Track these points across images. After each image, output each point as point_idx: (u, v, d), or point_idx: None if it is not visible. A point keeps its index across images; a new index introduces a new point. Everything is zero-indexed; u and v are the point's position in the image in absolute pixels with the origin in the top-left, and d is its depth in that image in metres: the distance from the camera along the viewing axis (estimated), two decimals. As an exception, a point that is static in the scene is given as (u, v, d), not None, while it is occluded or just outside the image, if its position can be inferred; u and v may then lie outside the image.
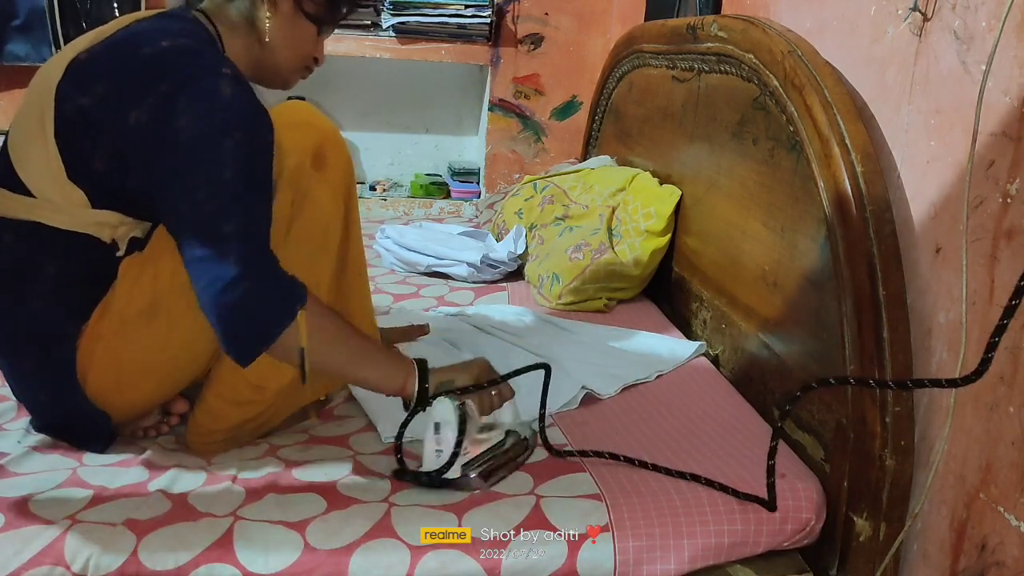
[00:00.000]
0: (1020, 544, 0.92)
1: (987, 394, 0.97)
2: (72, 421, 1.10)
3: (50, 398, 1.09)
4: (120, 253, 1.04)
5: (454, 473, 1.05)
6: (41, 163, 0.99)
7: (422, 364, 1.07)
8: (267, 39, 1.10)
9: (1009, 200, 0.93)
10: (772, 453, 1.04)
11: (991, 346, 0.80)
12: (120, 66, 0.99)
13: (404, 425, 1.09)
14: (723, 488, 1.06)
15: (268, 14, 1.09)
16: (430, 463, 1.05)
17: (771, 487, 1.05)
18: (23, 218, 1.01)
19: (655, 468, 1.11)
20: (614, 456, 1.14)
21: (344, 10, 1.15)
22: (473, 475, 1.06)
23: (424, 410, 1.06)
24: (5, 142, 1.04)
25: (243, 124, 0.96)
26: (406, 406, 1.07)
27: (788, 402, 1.01)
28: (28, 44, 2.49)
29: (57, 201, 1.00)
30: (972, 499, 0.99)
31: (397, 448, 1.09)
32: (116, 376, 1.07)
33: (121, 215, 1.03)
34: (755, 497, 1.05)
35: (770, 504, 1.05)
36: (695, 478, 1.08)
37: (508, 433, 1.14)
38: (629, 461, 1.13)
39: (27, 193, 1.00)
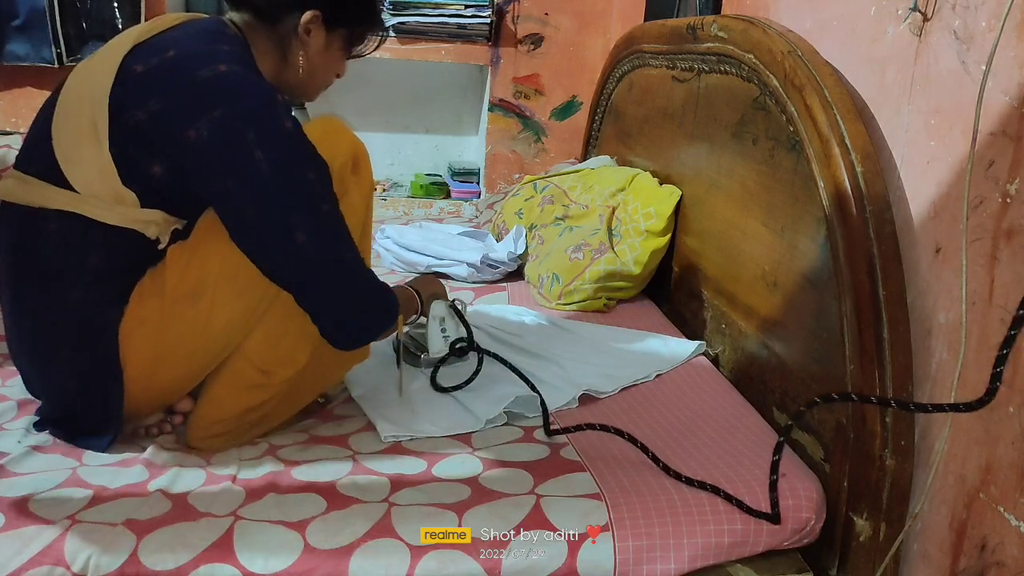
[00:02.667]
0: (1020, 544, 0.92)
1: (987, 394, 0.97)
2: (89, 413, 1.11)
3: (78, 386, 1.09)
4: (163, 246, 1.08)
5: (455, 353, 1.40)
6: (94, 168, 1.02)
7: (415, 289, 1.39)
8: (300, 71, 1.18)
9: (1009, 200, 0.93)
10: (775, 467, 1.05)
11: (1000, 359, 0.80)
12: (176, 86, 1.02)
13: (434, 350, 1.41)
14: (728, 498, 1.05)
15: (303, 49, 1.16)
16: (438, 348, 1.39)
17: (775, 503, 1.05)
18: (67, 210, 1.03)
19: (665, 467, 1.11)
20: (604, 428, 1.19)
21: (371, 44, 1.26)
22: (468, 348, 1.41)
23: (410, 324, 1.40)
24: (42, 134, 1.05)
25: (312, 155, 1.05)
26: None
27: (793, 417, 1.02)
28: (28, 44, 2.49)
29: (105, 199, 1.02)
30: (972, 499, 0.99)
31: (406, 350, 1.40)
32: (155, 358, 1.09)
33: (167, 214, 1.06)
34: (761, 513, 1.05)
35: (774, 518, 1.05)
36: (702, 485, 1.07)
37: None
38: (633, 441, 1.14)
39: (70, 188, 1.02)
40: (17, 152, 1.12)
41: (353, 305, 1.10)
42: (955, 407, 0.87)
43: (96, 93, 1.02)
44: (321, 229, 1.04)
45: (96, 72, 1.04)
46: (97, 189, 1.02)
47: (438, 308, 1.40)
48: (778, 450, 1.05)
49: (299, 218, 1.02)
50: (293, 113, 1.06)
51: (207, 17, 1.17)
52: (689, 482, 1.08)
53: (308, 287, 1.07)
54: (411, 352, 1.42)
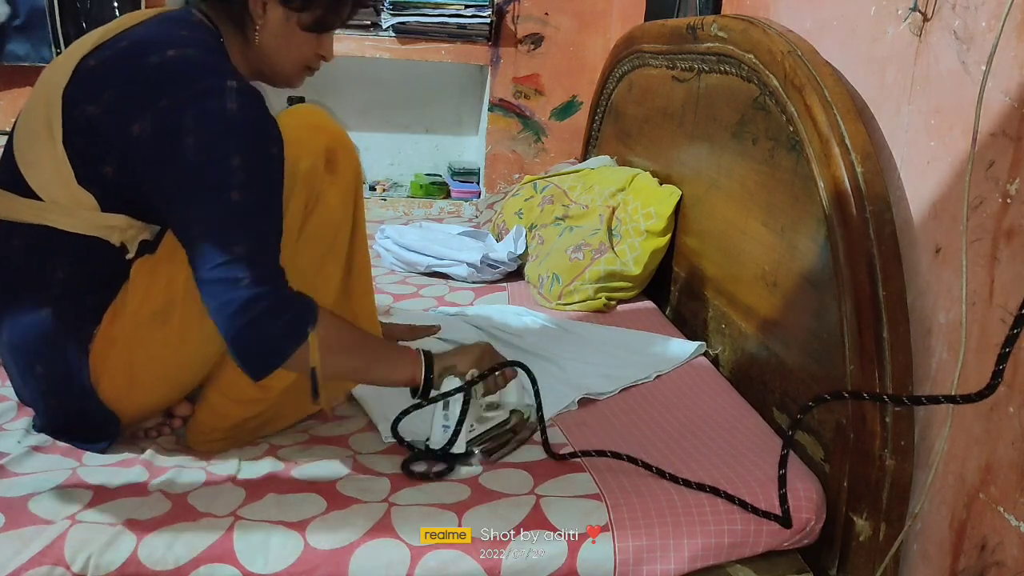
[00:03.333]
0: (1020, 544, 0.92)
1: (987, 394, 0.97)
2: (80, 423, 1.10)
3: (60, 401, 1.09)
4: (130, 256, 1.04)
5: (459, 448, 1.10)
6: (49, 167, 0.99)
7: (427, 354, 1.11)
8: (256, 44, 1.09)
9: (1009, 200, 0.93)
10: (783, 481, 1.05)
11: (1002, 357, 0.80)
12: (126, 76, 0.99)
13: (403, 413, 1.12)
14: (742, 504, 1.05)
15: (258, 24, 1.08)
16: (438, 440, 1.10)
17: (786, 510, 1.05)
18: (31, 222, 1.01)
19: (667, 475, 1.10)
20: (616, 455, 1.13)
21: (338, 20, 1.13)
22: (477, 451, 1.12)
23: (426, 400, 1.11)
24: (9, 145, 1.04)
25: (250, 141, 0.97)
26: (414, 393, 1.12)
27: (800, 411, 1.02)
28: (28, 44, 2.49)
29: (66, 204, 1.00)
30: (972, 499, 0.99)
31: (400, 439, 1.13)
32: (129, 378, 1.07)
33: (130, 218, 1.03)
34: (771, 515, 1.05)
35: (785, 520, 1.05)
36: (710, 489, 1.06)
37: (512, 412, 1.19)
38: (632, 461, 1.12)
39: (34, 196, 1.00)
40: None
41: (234, 310, 0.95)
42: (951, 399, 0.87)
43: (51, 92, 1.00)
44: (219, 219, 0.96)
45: (54, 72, 1.02)
46: (56, 193, 1.00)
47: (448, 388, 1.10)
48: (783, 463, 1.05)
49: (198, 208, 0.95)
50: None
51: (175, 8, 1.13)
52: (687, 484, 1.07)
53: (200, 287, 0.97)
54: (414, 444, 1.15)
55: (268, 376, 0.99)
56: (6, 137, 1.06)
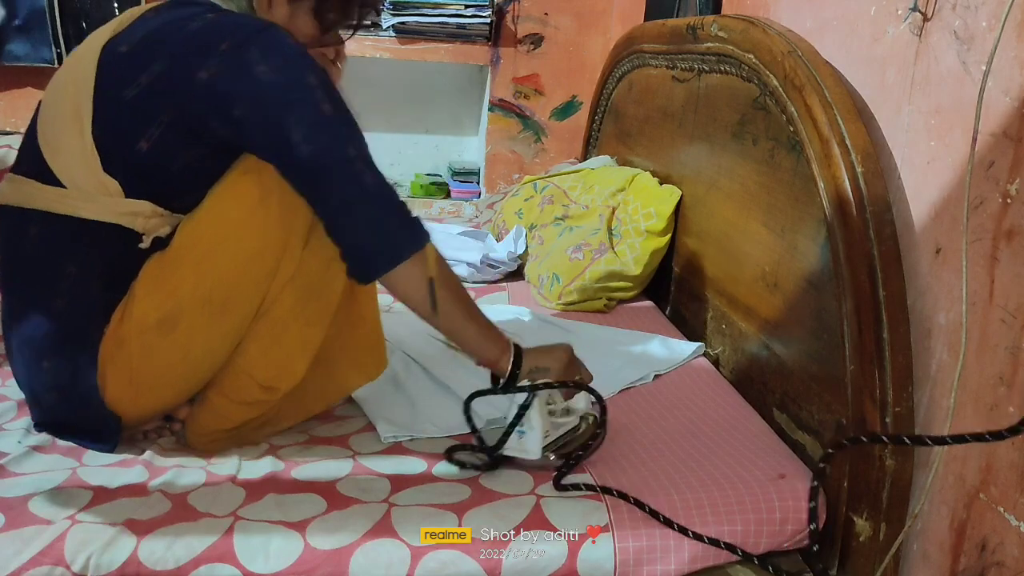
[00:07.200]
0: (1020, 544, 0.92)
1: (987, 394, 0.97)
2: (82, 420, 1.10)
3: (65, 396, 1.08)
4: (144, 246, 1.04)
5: (534, 455, 1.09)
6: (75, 154, 1.01)
7: (518, 347, 1.12)
8: None
9: (1009, 200, 0.93)
10: (813, 515, 1.05)
11: None
12: (172, 44, 1.00)
13: (479, 394, 1.13)
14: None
15: (265, 15, 1.09)
16: (512, 444, 1.10)
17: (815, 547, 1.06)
18: (52, 210, 1.02)
19: (679, 528, 1.03)
20: (639, 503, 1.04)
21: (344, 18, 1.14)
22: (552, 456, 1.11)
23: (503, 391, 1.12)
24: (32, 137, 1.06)
25: (316, 65, 1.01)
26: (494, 380, 1.13)
27: (824, 458, 1.03)
28: (28, 44, 2.49)
29: (89, 191, 1.01)
30: (972, 499, 0.99)
31: (470, 422, 1.14)
32: (134, 383, 1.07)
33: (155, 206, 1.04)
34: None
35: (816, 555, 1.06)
36: (725, 545, 1.02)
37: (582, 419, 1.16)
38: (639, 505, 1.04)
39: (57, 184, 1.02)
40: (17, 152, 1.12)
41: (359, 209, 1.00)
42: (979, 436, 0.86)
43: (79, 80, 1.01)
44: (319, 129, 0.98)
45: (76, 63, 1.04)
46: (80, 179, 1.01)
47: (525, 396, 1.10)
48: (813, 495, 1.06)
49: (294, 118, 0.98)
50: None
51: None
52: (697, 537, 1.03)
53: (312, 193, 1.01)
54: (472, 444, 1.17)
55: (380, 277, 1.02)
56: (7, 136, 1.07)
